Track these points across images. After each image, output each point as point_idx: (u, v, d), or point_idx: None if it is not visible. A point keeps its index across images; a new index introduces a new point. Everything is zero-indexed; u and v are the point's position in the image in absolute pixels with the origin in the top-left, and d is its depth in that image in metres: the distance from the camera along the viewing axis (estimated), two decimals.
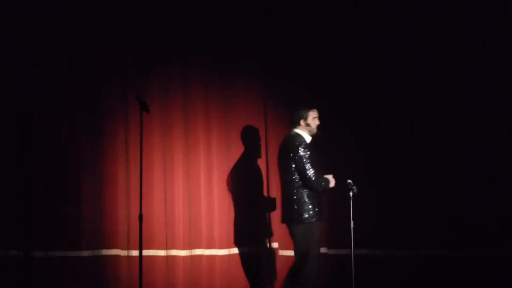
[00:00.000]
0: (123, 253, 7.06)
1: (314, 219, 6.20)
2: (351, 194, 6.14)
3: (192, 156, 7.26)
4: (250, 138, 7.20)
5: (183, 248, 7.13)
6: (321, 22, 7.45)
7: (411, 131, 7.37)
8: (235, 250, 7.23)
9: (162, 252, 7.13)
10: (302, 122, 6.37)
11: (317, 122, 6.40)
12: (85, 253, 6.98)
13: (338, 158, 7.10)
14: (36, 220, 6.97)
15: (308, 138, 6.39)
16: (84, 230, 7.07)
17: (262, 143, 7.30)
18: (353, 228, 6.16)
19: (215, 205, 7.22)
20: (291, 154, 6.22)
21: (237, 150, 7.28)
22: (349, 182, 6.17)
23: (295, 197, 6.21)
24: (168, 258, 7.14)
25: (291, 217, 6.22)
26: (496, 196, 7.16)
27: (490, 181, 7.17)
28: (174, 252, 7.13)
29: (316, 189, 6.21)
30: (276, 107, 7.37)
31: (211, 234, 7.18)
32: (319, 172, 6.26)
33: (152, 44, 7.28)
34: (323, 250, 7.08)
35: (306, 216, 6.18)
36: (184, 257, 7.13)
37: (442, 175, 7.32)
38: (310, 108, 6.40)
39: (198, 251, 7.15)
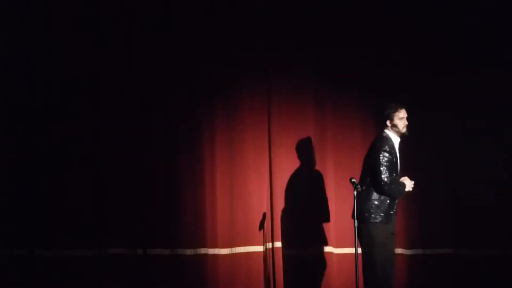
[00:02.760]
0: (128, 252, 7.02)
1: (378, 220, 6.00)
2: (355, 193, 6.12)
3: (195, 154, 7.23)
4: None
5: (188, 247, 7.09)
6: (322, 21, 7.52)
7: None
8: (237, 250, 7.21)
9: (167, 251, 7.10)
10: (388, 122, 6.14)
11: (405, 122, 6.14)
12: (90, 252, 6.93)
13: None
14: (39, 218, 6.91)
15: (396, 140, 6.17)
16: (88, 228, 7.00)
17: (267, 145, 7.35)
18: (356, 227, 6.15)
19: (218, 205, 7.17)
20: (370, 157, 6.09)
21: (240, 147, 7.26)
22: (353, 181, 6.13)
23: (364, 194, 6.07)
24: (175, 257, 7.07)
25: (358, 215, 6.01)
26: None
27: None
28: (180, 251, 7.10)
29: (389, 195, 6.02)
30: (280, 105, 7.37)
31: (214, 233, 7.14)
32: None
33: None
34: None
35: (366, 215, 6.00)
36: (189, 256, 7.10)
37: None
38: (397, 107, 6.15)
39: (202, 250, 7.10)
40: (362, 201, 6.05)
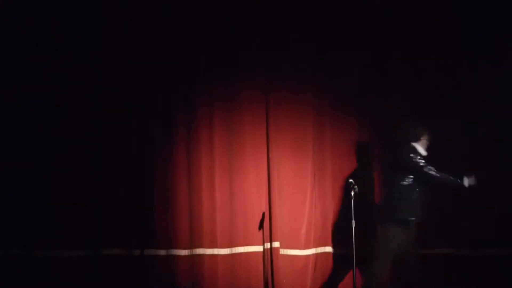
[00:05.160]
0: (125, 252, 7.03)
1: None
2: (352, 193, 6.12)
3: (194, 154, 7.25)
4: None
5: (184, 248, 7.11)
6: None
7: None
8: (236, 250, 7.22)
9: (162, 252, 7.11)
10: (422, 138, 6.83)
11: None
12: (87, 252, 6.95)
13: None
14: (38, 219, 6.95)
15: (423, 152, 6.78)
16: (84, 229, 7.03)
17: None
18: (354, 227, 6.16)
19: (217, 205, 7.19)
20: (403, 164, 6.67)
21: (238, 147, 7.28)
22: (351, 182, 6.14)
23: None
24: (172, 257, 7.11)
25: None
26: None
27: None
28: (174, 252, 7.12)
29: (436, 178, 6.64)
30: (278, 105, 7.36)
31: (213, 233, 7.16)
32: None
33: None
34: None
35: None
36: (186, 257, 7.12)
37: None
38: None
39: (199, 251, 7.13)
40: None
